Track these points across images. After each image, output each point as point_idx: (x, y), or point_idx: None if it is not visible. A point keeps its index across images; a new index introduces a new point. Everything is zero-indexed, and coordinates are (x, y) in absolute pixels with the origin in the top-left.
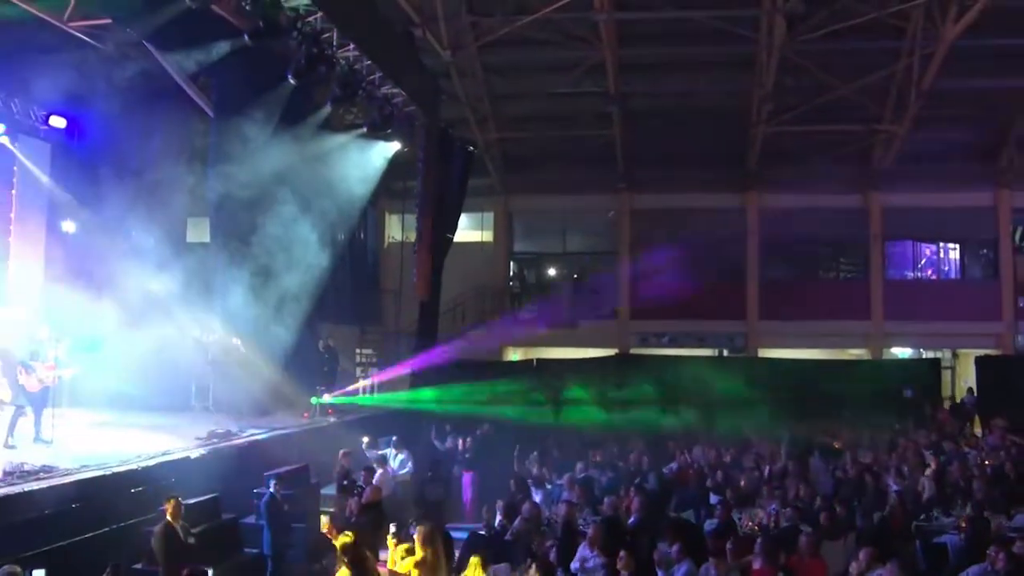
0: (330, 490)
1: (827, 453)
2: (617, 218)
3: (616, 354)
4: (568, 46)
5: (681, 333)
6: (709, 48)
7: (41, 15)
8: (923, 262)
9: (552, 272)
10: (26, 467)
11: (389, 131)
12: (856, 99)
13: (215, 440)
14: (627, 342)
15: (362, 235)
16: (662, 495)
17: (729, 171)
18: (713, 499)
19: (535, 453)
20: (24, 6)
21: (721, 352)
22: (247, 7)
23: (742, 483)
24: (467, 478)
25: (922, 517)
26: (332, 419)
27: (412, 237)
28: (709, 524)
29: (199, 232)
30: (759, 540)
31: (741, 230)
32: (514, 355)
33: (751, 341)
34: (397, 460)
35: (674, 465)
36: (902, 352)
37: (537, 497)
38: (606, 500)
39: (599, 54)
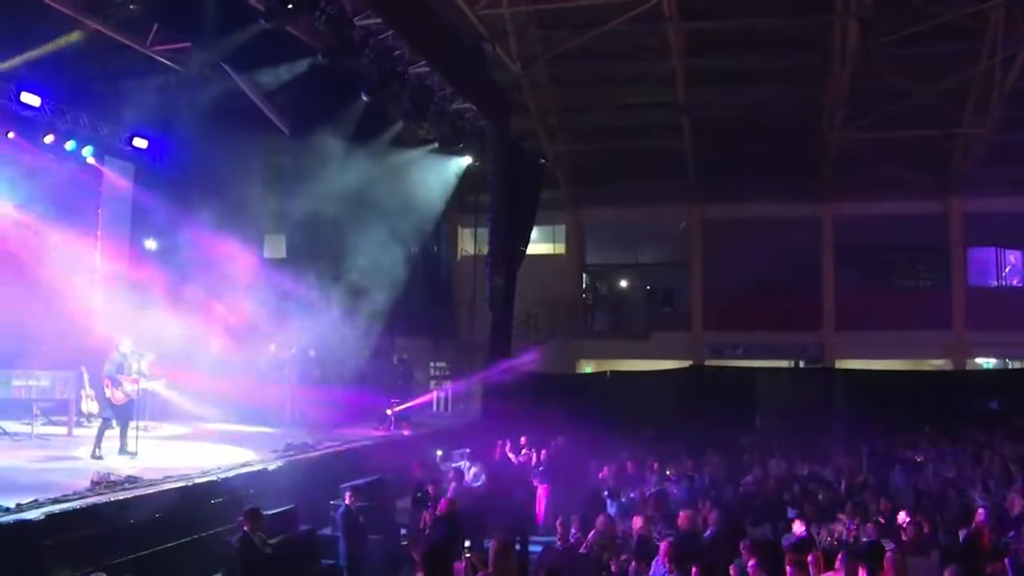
0: (405, 502)
1: (908, 466)
2: (689, 229)
3: (690, 366)
4: (637, 57)
5: (755, 344)
6: (780, 55)
7: (125, 41)
8: (1007, 269)
9: (624, 284)
10: (112, 478)
11: (461, 145)
12: (933, 103)
13: (292, 452)
14: (701, 354)
15: (435, 249)
16: (738, 509)
17: (802, 180)
18: (790, 513)
19: (610, 466)
20: (110, 33)
21: (796, 363)
22: (320, 26)
23: (820, 497)
24: (541, 491)
25: (1011, 534)
26: (407, 432)
27: (484, 250)
28: (787, 539)
29: (276, 248)
30: (839, 555)
31: (815, 239)
32: (587, 367)
33: (827, 352)
34: (471, 473)
35: (750, 478)
36: (986, 362)
37: (612, 510)
38: (681, 514)
39: (668, 65)
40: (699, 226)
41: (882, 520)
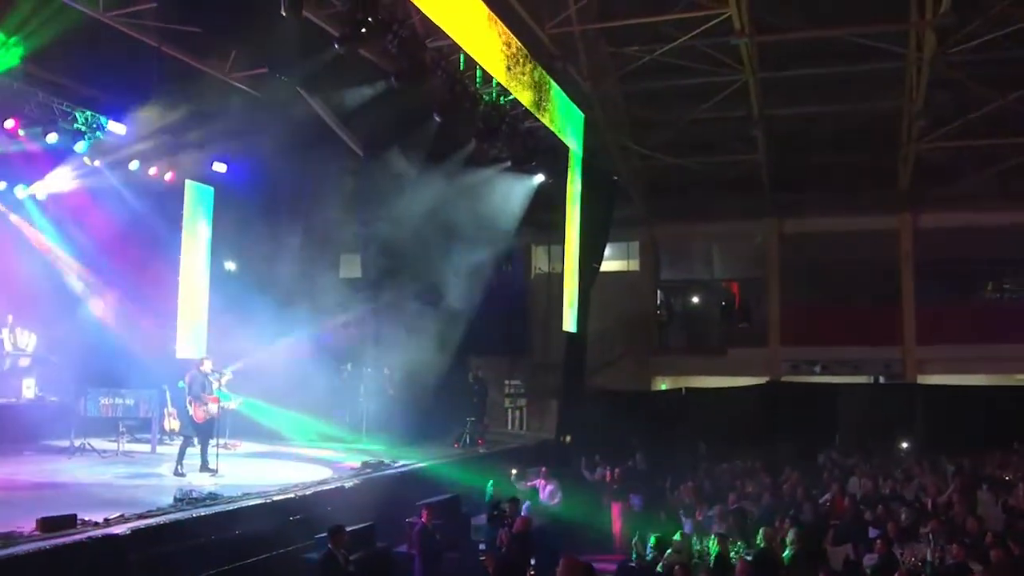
0: (480, 520)
1: (997, 485)
2: (765, 243)
3: (767, 382)
4: (709, 72)
5: (834, 360)
6: (854, 66)
7: (205, 68)
8: None
9: (699, 300)
10: (194, 494)
11: (533, 164)
12: (1017, 109)
13: (369, 470)
14: (778, 370)
15: (509, 267)
16: (817, 527)
17: (880, 191)
18: (872, 532)
19: (687, 483)
20: (191, 62)
21: (877, 379)
22: (393, 49)
23: (903, 516)
24: (616, 509)
25: None
26: (482, 449)
27: (558, 268)
28: (868, 559)
29: (351, 267)
30: None
31: (895, 251)
32: (663, 384)
33: (909, 367)
34: (546, 491)
35: (829, 496)
36: None
37: (687, 528)
38: (760, 532)
39: (741, 78)
40: (775, 240)
41: (968, 541)
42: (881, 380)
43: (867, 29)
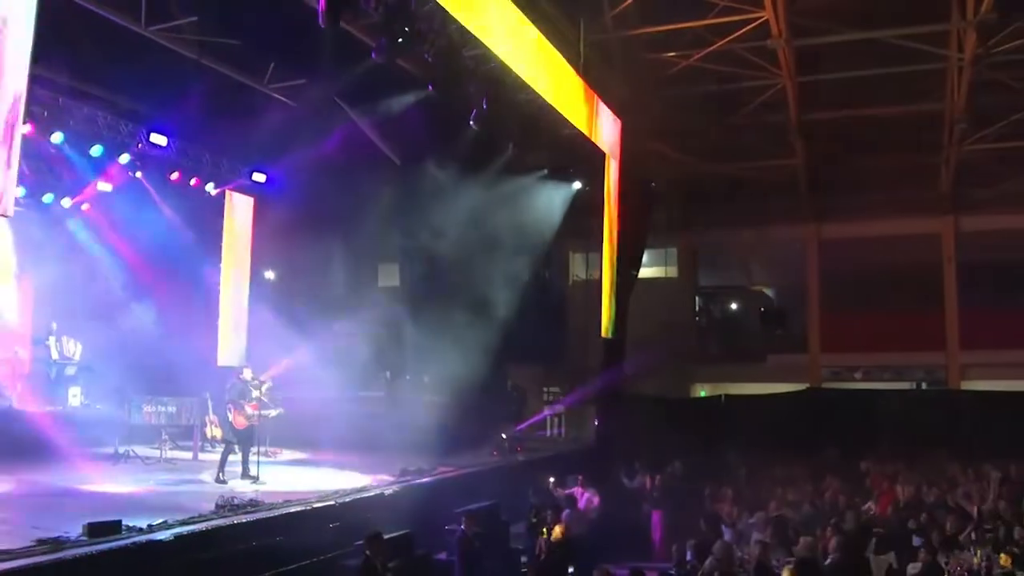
0: (520, 528)
1: None
2: (804, 248)
3: (807, 388)
4: (747, 76)
5: (875, 366)
6: (894, 68)
7: (244, 80)
8: None
9: (738, 306)
10: (236, 501)
11: (570, 171)
12: None
13: (408, 477)
14: (818, 376)
15: (546, 275)
16: (860, 535)
17: (921, 195)
18: (916, 541)
19: (726, 490)
20: (231, 74)
21: (919, 385)
22: (429, 59)
23: (948, 524)
24: (656, 517)
25: None
26: (521, 457)
27: (596, 275)
28: (912, 568)
29: (389, 276)
30: None
31: (937, 255)
32: (701, 391)
33: (952, 373)
34: (585, 498)
35: (872, 504)
36: None
37: (728, 536)
38: (801, 540)
39: (778, 82)
40: (814, 245)
41: (1016, 551)
42: (924, 386)
43: (907, 30)
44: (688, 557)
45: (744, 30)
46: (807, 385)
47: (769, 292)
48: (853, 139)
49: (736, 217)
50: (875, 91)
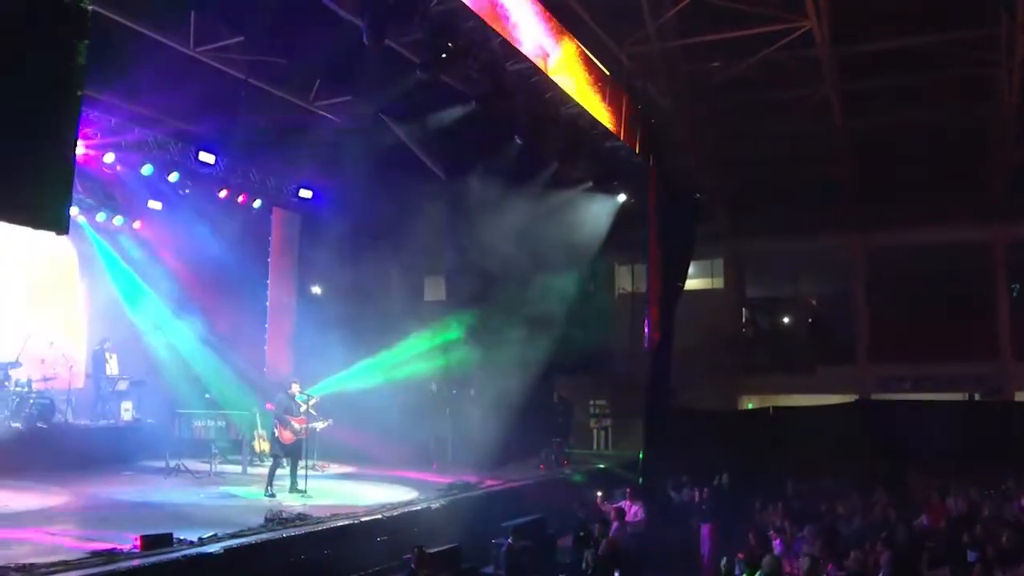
0: (566, 541)
1: None
2: (851, 258)
3: (856, 400)
4: (791, 85)
5: (925, 377)
6: (941, 73)
7: (290, 98)
8: None
9: (786, 317)
10: (284, 515)
11: (615, 183)
12: None
13: (455, 491)
14: (867, 387)
15: (592, 287)
16: (912, 550)
17: (971, 202)
18: (971, 556)
19: (776, 503)
20: (277, 92)
21: (971, 396)
22: (473, 73)
23: (1004, 539)
24: (705, 530)
25: None
26: (567, 470)
27: (642, 287)
28: None
29: (436, 290)
30: None
31: (987, 263)
32: (749, 403)
33: (1005, 383)
34: (632, 511)
35: (924, 517)
36: None
37: (778, 550)
38: (852, 554)
39: (823, 90)
40: (862, 254)
41: None
42: (976, 397)
43: (954, 35)
44: (737, 571)
45: (787, 39)
46: (856, 396)
47: (817, 302)
48: (901, 146)
49: (783, 227)
50: (923, 97)
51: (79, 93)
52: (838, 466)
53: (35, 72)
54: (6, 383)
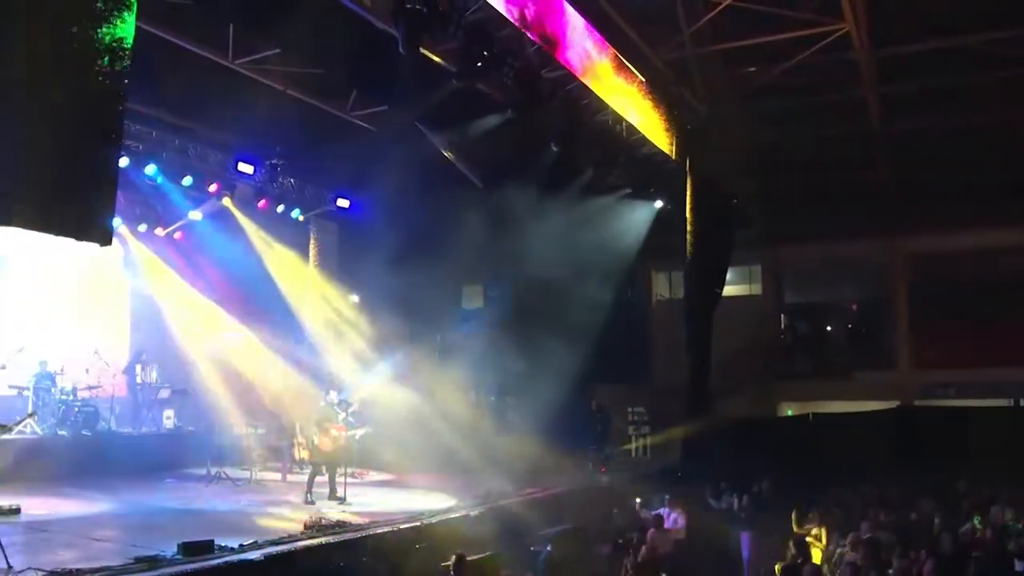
0: (605, 549)
1: None
2: (891, 262)
3: (897, 407)
4: (828, 89)
5: (968, 383)
6: (981, 74)
7: (327, 108)
8: None
9: (825, 322)
10: (323, 522)
11: (652, 190)
12: None
13: (493, 499)
14: (909, 394)
15: (630, 294)
16: (957, 560)
17: (1014, 205)
18: (1018, 566)
19: (816, 511)
20: (314, 102)
21: (1017, 402)
22: (509, 82)
23: None
24: (745, 538)
25: None
26: (605, 478)
27: (679, 294)
28: None
29: (474, 298)
30: None
31: None
32: (788, 410)
33: None
34: (671, 519)
35: (969, 526)
36: None
37: (818, 559)
38: (895, 563)
39: (860, 93)
40: (902, 259)
41: None
42: (1022, 403)
43: (994, 36)
44: None
45: (824, 42)
46: (897, 403)
47: (856, 307)
48: (939, 149)
49: (821, 232)
50: (965, 99)
51: (122, 107)
52: (880, 473)
53: (78, 85)
54: (52, 391)
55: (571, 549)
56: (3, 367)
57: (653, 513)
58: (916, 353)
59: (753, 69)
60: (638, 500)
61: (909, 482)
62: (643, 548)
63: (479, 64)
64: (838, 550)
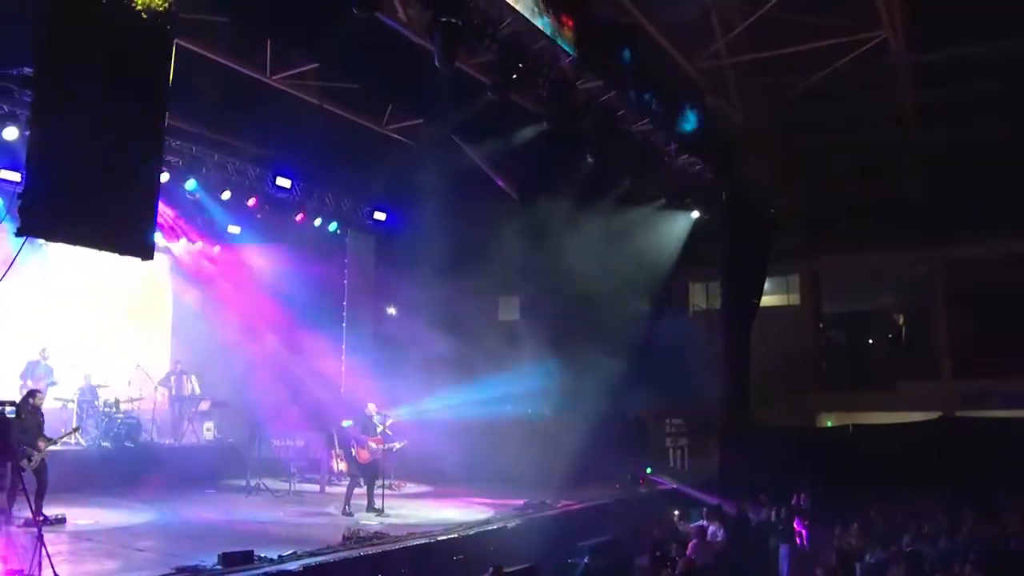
0: (643, 561)
1: None
2: (931, 270)
3: (939, 417)
4: (865, 97)
5: (1014, 393)
6: (1018, 80)
7: (363, 122)
8: None
9: (864, 332)
10: (362, 533)
11: (688, 200)
12: None
13: (531, 510)
14: (952, 404)
15: (667, 305)
16: (1002, 573)
17: None
18: None
19: (856, 524)
20: (350, 116)
21: None
22: (544, 93)
23: None
24: (784, 550)
25: None
26: (643, 489)
27: (717, 305)
28: None
29: (509, 309)
30: None
31: None
32: (828, 421)
33: None
34: (710, 531)
35: (1015, 541)
36: None
37: (858, 571)
38: None
39: (897, 100)
40: (943, 267)
41: None
42: None
43: None
44: None
45: (861, 50)
46: (939, 413)
47: (896, 317)
48: (980, 155)
49: (859, 241)
50: (1001, 104)
51: (162, 124)
52: (922, 485)
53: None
54: (95, 404)
55: (609, 561)
56: (54, 383)
57: (692, 525)
58: (959, 363)
59: (789, 78)
60: (676, 512)
61: (952, 494)
62: (681, 560)
63: (514, 76)
64: (879, 563)
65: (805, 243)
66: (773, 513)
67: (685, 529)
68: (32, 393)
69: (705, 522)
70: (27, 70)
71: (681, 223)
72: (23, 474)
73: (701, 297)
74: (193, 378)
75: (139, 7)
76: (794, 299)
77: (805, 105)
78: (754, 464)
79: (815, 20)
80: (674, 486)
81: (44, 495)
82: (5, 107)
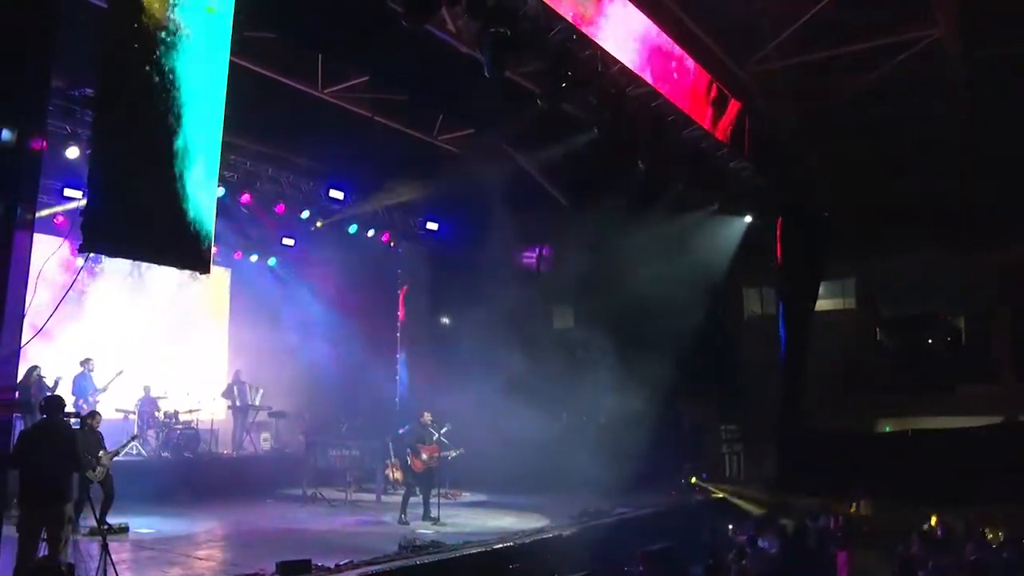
0: (697, 569)
1: None
2: (991, 273)
3: (1002, 422)
4: (918, 96)
5: None
6: None
7: (415, 134)
8: None
9: (923, 336)
10: (417, 542)
11: (741, 205)
12: None
13: (587, 518)
14: (1014, 408)
15: (721, 310)
16: None
17: None
18: None
19: (917, 533)
20: (402, 128)
21: None
22: (593, 101)
23: None
24: (841, 558)
25: None
26: (699, 497)
27: (771, 310)
28: None
29: (564, 318)
30: None
31: None
32: (886, 426)
33: None
34: (765, 539)
35: None
36: None
37: None
38: None
39: (953, 101)
40: (1001, 269)
41: None
42: None
43: None
44: None
45: (915, 49)
46: (1002, 418)
47: (955, 319)
48: None
49: (915, 244)
50: None
51: (218, 140)
52: (984, 492)
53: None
54: (156, 415)
55: (663, 569)
56: (104, 390)
57: (747, 533)
58: (1020, 365)
59: (841, 79)
60: (731, 521)
61: (1015, 501)
62: (735, 568)
63: (564, 85)
64: (941, 571)
65: (860, 246)
66: (831, 520)
67: (740, 537)
68: (92, 414)
69: (757, 532)
70: (88, 91)
71: (734, 228)
72: (91, 485)
73: (755, 302)
74: (259, 389)
75: (193, 30)
76: (850, 303)
77: (858, 107)
78: (812, 469)
79: (867, 20)
80: (729, 493)
81: (110, 506)
82: (68, 127)
